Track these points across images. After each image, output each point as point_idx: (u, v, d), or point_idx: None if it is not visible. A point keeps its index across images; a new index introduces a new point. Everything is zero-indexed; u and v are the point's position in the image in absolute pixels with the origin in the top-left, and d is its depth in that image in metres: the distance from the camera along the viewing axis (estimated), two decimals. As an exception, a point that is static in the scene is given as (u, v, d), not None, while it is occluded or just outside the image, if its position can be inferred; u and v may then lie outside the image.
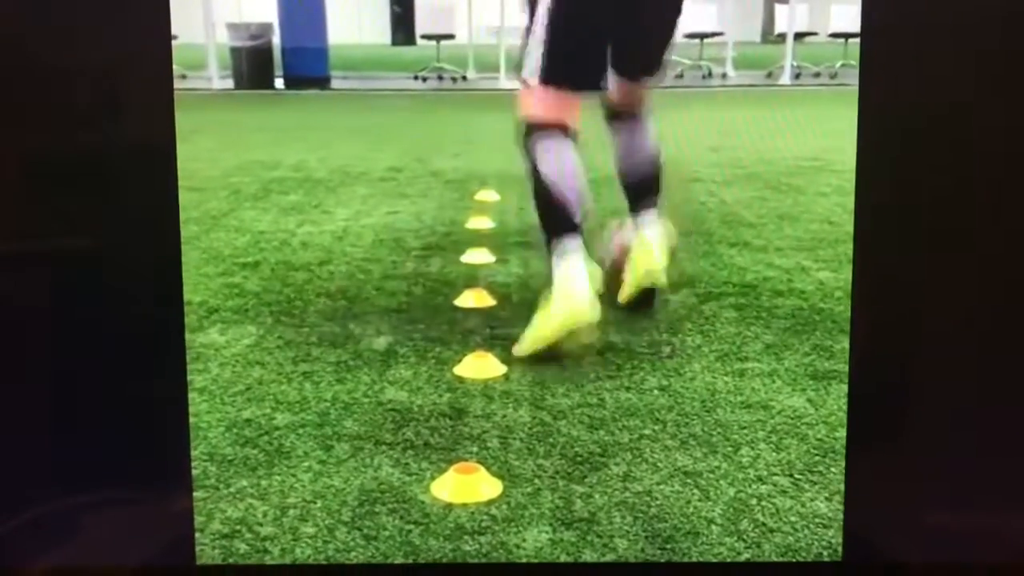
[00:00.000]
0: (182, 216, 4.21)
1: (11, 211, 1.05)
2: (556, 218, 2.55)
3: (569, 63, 2.51)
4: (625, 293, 2.74)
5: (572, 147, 2.54)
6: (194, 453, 1.90)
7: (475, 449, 1.93)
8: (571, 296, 2.40)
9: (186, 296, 2.91)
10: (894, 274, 1.17)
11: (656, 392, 2.21)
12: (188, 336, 2.56)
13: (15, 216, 1.05)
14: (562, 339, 2.39)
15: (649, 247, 2.74)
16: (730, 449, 1.93)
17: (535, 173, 2.52)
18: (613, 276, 2.75)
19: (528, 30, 2.52)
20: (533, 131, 2.52)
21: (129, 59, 1.07)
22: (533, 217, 4.09)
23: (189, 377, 2.28)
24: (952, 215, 1.11)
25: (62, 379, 1.13)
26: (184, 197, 4.44)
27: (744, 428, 2.03)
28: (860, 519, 1.26)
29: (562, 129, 2.52)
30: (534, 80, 2.49)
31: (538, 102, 2.52)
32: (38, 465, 1.14)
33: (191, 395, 2.18)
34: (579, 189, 2.55)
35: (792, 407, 2.13)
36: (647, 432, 2.00)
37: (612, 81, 2.73)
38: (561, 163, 2.51)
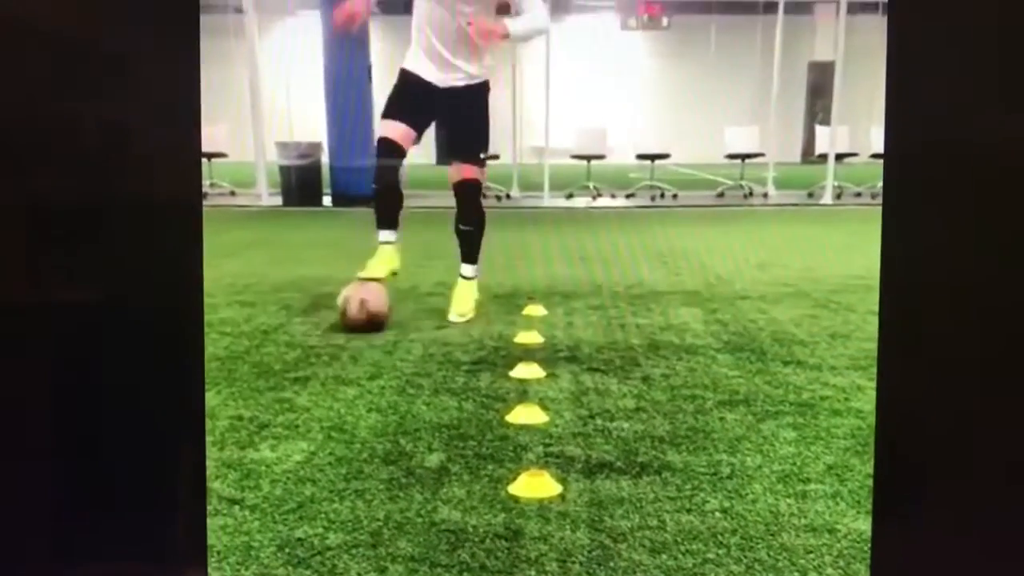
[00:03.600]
0: (233, 331, 4.20)
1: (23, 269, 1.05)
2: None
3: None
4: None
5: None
6: (246, 574, 1.86)
7: (533, 573, 1.87)
8: None
9: (237, 411, 2.91)
10: (918, 388, 1.15)
11: (718, 514, 2.14)
12: (239, 452, 2.54)
13: (27, 275, 1.06)
14: None
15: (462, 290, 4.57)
16: (797, 574, 1.86)
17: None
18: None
19: None
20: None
21: (156, 122, 1.09)
22: (582, 332, 4.10)
23: (240, 494, 2.25)
24: (974, 331, 1.09)
25: (73, 444, 1.11)
26: (235, 312, 4.48)
27: (810, 552, 1.95)
28: None
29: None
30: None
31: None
32: (45, 542, 1.12)
33: (243, 513, 2.15)
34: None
35: (858, 530, 2.06)
36: (711, 556, 1.93)
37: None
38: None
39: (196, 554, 1.24)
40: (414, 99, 4.37)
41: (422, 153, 5.00)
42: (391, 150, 4.32)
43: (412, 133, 4.36)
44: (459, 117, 4.42)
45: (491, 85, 4.45)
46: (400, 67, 4.43)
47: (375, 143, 4.46)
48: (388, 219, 4.43)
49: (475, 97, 4.39)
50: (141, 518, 1.16)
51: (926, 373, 1.14)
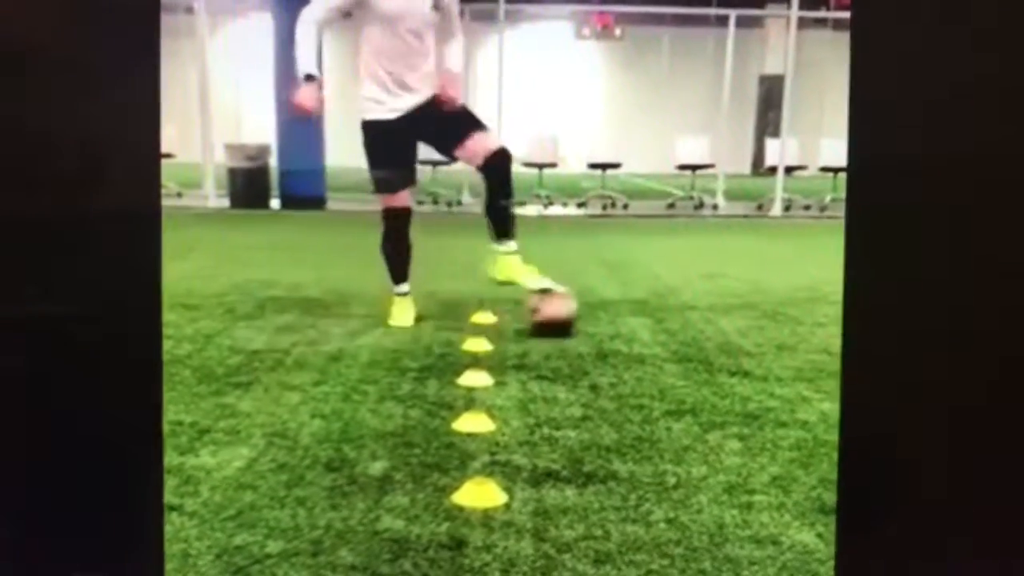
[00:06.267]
0: (176, 334, 4.12)
1: None
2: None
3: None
4: None
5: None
6: (182, 582, 1.81)
7: (476, 582, 1.85)
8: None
9: (177, 416, 2.85)
10: (883, 405, 1.14)
11: (663, 525, 2.13)
12: (178, 458, 2.49)
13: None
14: None
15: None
16: (741, 587, 1.85)
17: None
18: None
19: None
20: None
21: (116, 133, 1.06)
22: (530, 341, 4.08)
23: (179, 500, 2.20)
24: (941, 352, 1.09)
25: (28, 456, 1.08)
26: (178, 315, 4.40)
27: (754, 564, 1.95)
28: None
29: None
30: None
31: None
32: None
33: (181, 519, 2.10)
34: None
35: (802, 542, 2.06)
36: (655, 567, 1.92)
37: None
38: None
39: (153, 565, 1.21)
40: (395, 150, 4.39)
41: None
42: (399, 216, 4.47)
43: (411, 186, 4.53)
44: (444, 113, 4.36)
45: None
46: (361, 121, 4.35)
47: (382, 208, 4.47)
48: (404, 273, 4.59)
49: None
50: (98, 530, 1.13)
51: (891, 390, 1.13)
